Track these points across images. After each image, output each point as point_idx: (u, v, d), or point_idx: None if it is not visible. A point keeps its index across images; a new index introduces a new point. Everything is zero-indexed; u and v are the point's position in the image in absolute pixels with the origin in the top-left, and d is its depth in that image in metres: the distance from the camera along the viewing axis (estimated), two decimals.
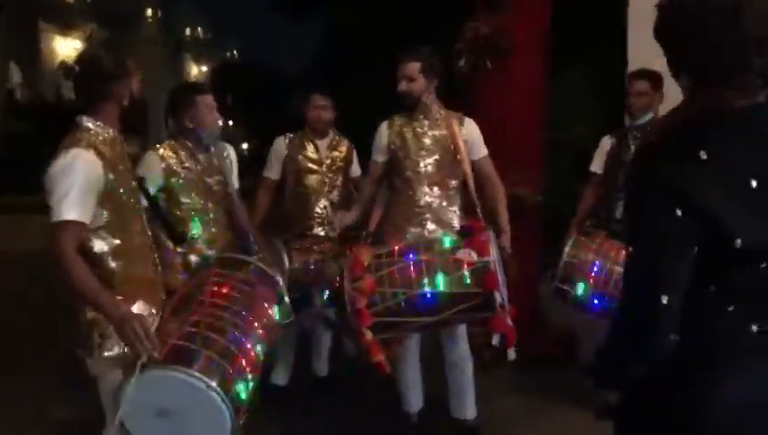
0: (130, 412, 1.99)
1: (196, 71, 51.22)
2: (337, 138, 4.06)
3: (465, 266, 2.78)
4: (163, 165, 3.20)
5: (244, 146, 35.38)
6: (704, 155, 1.28)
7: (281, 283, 2.56)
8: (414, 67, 3.31)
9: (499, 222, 3.28)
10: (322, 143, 3.99)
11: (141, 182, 2.57)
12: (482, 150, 3.43)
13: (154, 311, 2.30)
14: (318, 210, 3.90)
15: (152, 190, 3.05)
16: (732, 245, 1.27)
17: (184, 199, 3.23)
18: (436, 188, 3.35)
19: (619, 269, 3.28)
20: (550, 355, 4.34)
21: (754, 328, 1.35)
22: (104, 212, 2.20)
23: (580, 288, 3.39)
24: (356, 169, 4.10)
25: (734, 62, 1.31)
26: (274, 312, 2.45)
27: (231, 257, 2.68)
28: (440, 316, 2.81)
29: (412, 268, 2.82)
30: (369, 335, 2.79)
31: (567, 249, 3.48)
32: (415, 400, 3.50)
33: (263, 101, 29.52)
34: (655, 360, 1.35)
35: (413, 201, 3.35)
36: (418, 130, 3.38)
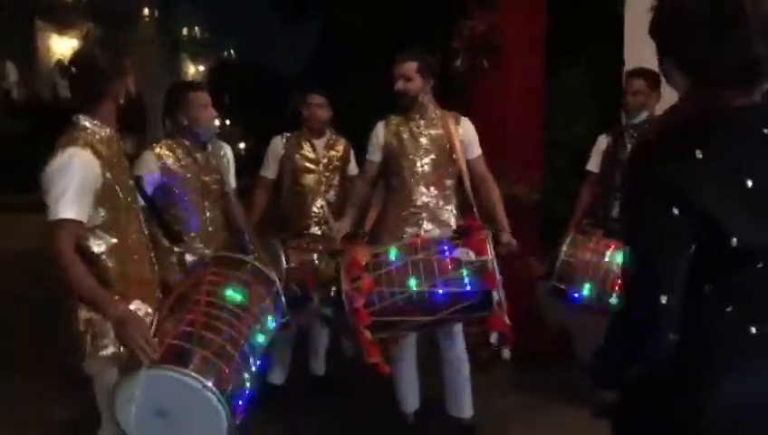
0: (126, 412, 1.99)
1: (194, 70, 51.19)
2: (334, 137, 4.06)
3: (463, 265, 2.78)
4: (160, 163, 3.20)
5: (242, 145, 35.37)
6: (700, 154, 1.28)
7: (277, 282, 2.55)
8: (411, 66, 3.31)
9: (498, 221, 3.28)
10: (319, 142, 3.99)
11: (138, 181, 2.56)
12: (476, 150, 3.43)
13: (150, 310, 2.30)
14: (315, 209, 3.90)
15: (149, 189, 3.05)
16: (728, 244, 1.27)
17: (181, 198, 3.23)
18: (432, 188, 3.35)
19: (616, 268, 3.29)
20: (546, 354, 4.35)
21: (753, 329, 1.35)
22: (101, 211, 2.19)
23: (586, 289, 3.39)
24: (353, 168, 4.09)
25: (734, 62, 1.31)
26: (271, 311, 2.45)
27: (228, 257, 2.67)
28: (438, 315, 2.81)
29: (410, 267, 2.82)
30: (367, 335, 2.79)
31: (564, 248, 3.49)
32: (412, 399, 3.50)
33: (260, 101, 29.49)
34: (654, 360, 1.35)
35: (410, 201, 3.35)
36: (415, 129, 3.38)
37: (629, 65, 4.34)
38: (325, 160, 3.97)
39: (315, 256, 3.65)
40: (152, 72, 29.94)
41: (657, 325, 1.32)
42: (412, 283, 2.79)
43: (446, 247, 2.86)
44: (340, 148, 4.05)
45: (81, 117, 2.23)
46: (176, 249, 3.12)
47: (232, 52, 57.40)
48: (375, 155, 3.46)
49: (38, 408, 3.91)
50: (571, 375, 3.38)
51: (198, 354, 1.99)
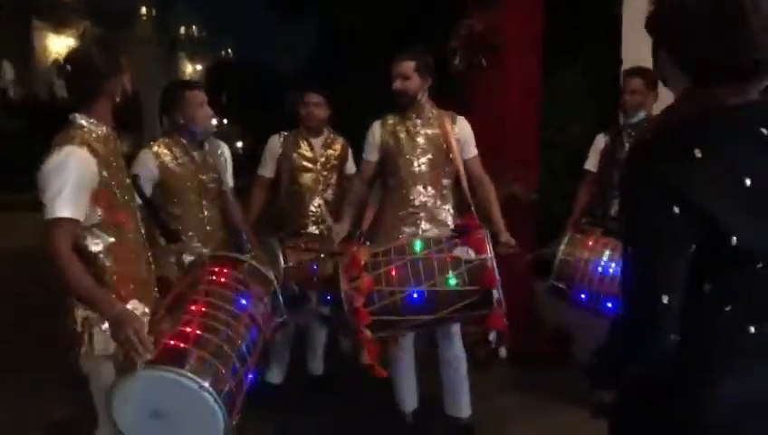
0: (123, 412, 1.98)
1: (191, 69, 51.12)
2: (332, 136, 4.06)
3: (463, 264, 2.78)
4: (157, 162, 3.20)
5: (239, 144, 35.34)
6: (699, 153, 1.27)
7: (275, 281, 2.55)
8: (409, 66, 3.30)
9: (494, 222, 3.28)
10: (317, 141, 3.98)
11: (135, 180, 2.55)
12: (473, 150, 3.43)
13: (147, 310, 2.29)
14: (312, 208, 3.90)
15: (147, 188, 3.05)
16: (728, 243, 1.27)
17: (178, 197, 3.23)
18: (429, 188, 3.34)
19: (614, 267, 3.29)
20: (545, 353, 4.35)
21: (752, 329, 1.35)
22: (98, 210, 2.18)
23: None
24: (351, 167, 4.09)
25: (734, 62, 1.31)
26: (268, 310, 2.44)
27: (225, 256, 2.66)
28: (438, 314, 2.81)
29: (409, 267, 2.82)
30: (368, 334, 2.79)
31: (562, 247, 3.48)
32: (410, 399, 3.50)
33: (257, 100, 29.46)
34: (655, 360, 1.34)
35: (407, 201, 3.35)
36: (411, 129, 3.37)
37: (627, 65, 4.35)
38: (323, 159, 3.97)
39: (313, 254, 3.64)
40: (149, 71, 29.91)
41: (658, 325, 1.31)
42: (412, 282, 2.78)
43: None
44: (338, 147, 4.04)
45: (77, 115, 2.22)
46: (173, 248, 3.11)
47: (229, 51, 57.36)
48: (371, 155, 3.45)
49: (38, 408, 3.90)
50: (569, 375, 3.37)
51: (195, 355, 1.98)
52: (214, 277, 2.35)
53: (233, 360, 2.07)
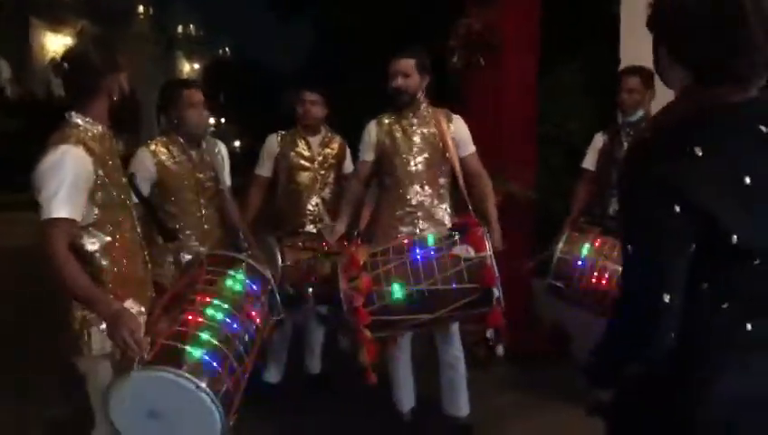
0: (120, 412, 1.97)
1: (188, 68, 51.06)
2: (329, 134, 4.05)
3: (463, 262, 2.78)
4: (155, 161, 3.19)
5: (237, 143, 35.32)
6: (699, 152, 1.27)
7: (272, 280, 2.54)
8: (409, 63, 3.29)
9: (488, 218, 3.27)
10: (315, 140, 3.98)
11: (132, 178, 2.55)
12: (469, 147, 3.42)
13: (143, 309, 2.28)
14: (310, 207, 3.89)
15: (144, 187, 3.04)
16: (728, 242, 1.27)
17: (176, 195, 3.22)
18: (426, 187, 3.33)
19: (612, 265, 3.29)
20: (542, 352, 4.35)
21: (749, 326, 1.35)
22: (94, 209, 2.18)
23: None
24: (349, 166, 4.08)
25: (734, 62, 1.31)
26: (266, 309, 2.44)
27: (223, 255, 2.66)
28: (438, 313, 2.81)
29: (408, 266, 2.82)
30: (367, 334, 2.79)
31: (560, 245, 3.48)
32: (407, 399, 3.49)
33: (255, 99, 29.44)
34: (655, 359, 1.34)
35: (404, 200, 3.34)
36: (408, 128, 3.36)
37: (625, 63, 4.34)
38: (320, 158, 3.96)
39: (310, 253, 3.64)
40: (147, 70, 29.86)
41: (659, 325, 1.31)
42: (411, 281, 2.78)
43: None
44: (336, 145, 4.04)
45: (73, 114, 2.21)
46: (170, 247, 3.11)
47: (227, 49, 57.30)
48: (368, 154, 3.44)
49: (38, 408, 3.89)
50: (567, 373, 3.38)
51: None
52: (211, 276, 2.35)
53: (230, 360, 2.07)
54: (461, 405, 3.44)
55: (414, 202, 3.33)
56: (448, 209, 3.38)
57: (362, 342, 2.82)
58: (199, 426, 1.96)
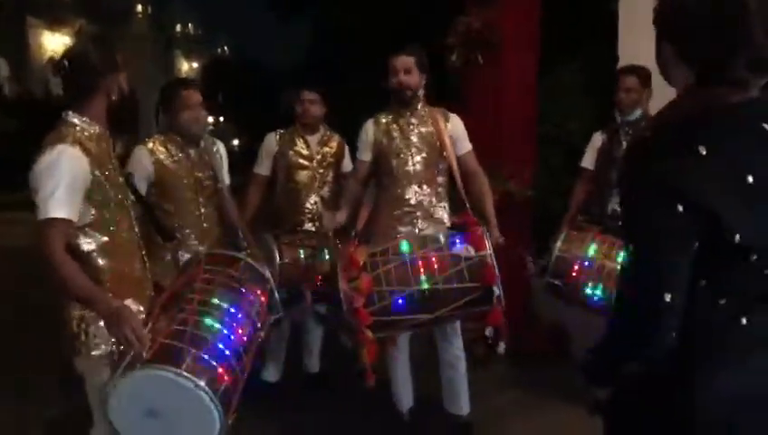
0: (118, 412, 1.97)
1: (187, 67, 51.01)
2: (328, 133, 4.05)
3: (463, 262, 2.78)
4: (153, 159, 3.19)
5: (235, 142, 35.32)
6: (703, 151, 1.27)
7: (271, 279, 2.54)
8: (410, 60, 3.29)
9: (486, 216, 3.27)
10: (313, 139, 3.98)
11: (129, 178, 2.54)
12: (466, 146, 3.41)
13: (142, 308, 2.28)
14: (308, 206, 3.89)
15: (142, 186, 3.04)
16: (730, 241, 1.27)
17: (174, 194, 3.22)
18: (425, 186, 3.32)
19: (611, 264, 3.29)
20: (541, 351, 4.35)
21: (744, 320, 1.35)
22: (91, 209, 2.17)
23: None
24: (347, 165, 4.08)
25: (735, 62, 1.30)
26: (264, 308, 2.43)
27: (221, 254, 2.66)
28: (438, 313, 2.81)
29: (409, 266, 2.82)
30: (368, 335, 2.78)
31: (558, 244, 3.48)
32: (406, 398, 3.49)
33: (254, 98, 29.43)
34: (655, 359, 1.34)
35: (403, 200, 3.32)
36: (405, 127, 3.35)
37: (623, 62, 4.34)
38: (319, 157, 3.96)
39: (309, 252, 3.63)
40: (145, 70, 29.82)
41: (660, 325, 1.31)
42: (411, 281, 2.78)
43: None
44: (334, 144, 4.04)
45: (70, 113, 2.21)
46: (168, 246, 3.11)
47: (225, 48, 57.27)
48: (365, 154, 3.43)
49: (38, 408, 3.89)
50: (565, 372, 3.38)
51: (191, 354, 1.98)
52: (210, 275, 2.35)
53: (229, 358, 2.07)
54: (461, 404, 3.44)
55: (413, 202, 3.32)
56: (447, 208, 3.38)
57: (363, 342, 2.82)
58: (198, 425, 1.96)
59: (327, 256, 3.56)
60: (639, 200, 1.33)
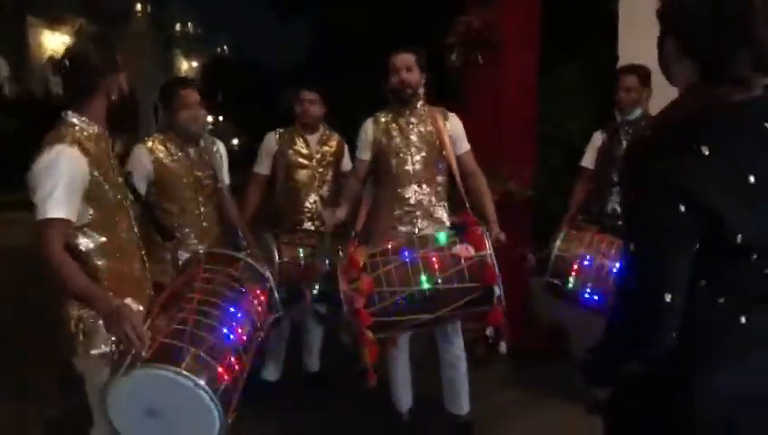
0: (118, 411, 1.97)
1: (186, 66, 50.97)
2: (327, 132, 4.05)
3: (463, 261, 2.78)
4: (152, 158, 3.20)
5: (235, 141, 35.31)
6: (705, 151, 1.27)
7: (270, 279, 2.54)
8: (410, 58, 3.28)
9: (486, 215, 3.27)
10: (313, 138, 3.98)
11: (128, 177, 2.54)
12: (465, 146, 3.41)
13: (141, 308, 2.27)
14: (308, 205, 3.89)
15: (141, 185, 3.04)
16: (732, 240, 1.27)
17: (174, 193, 3.22)
18: (424, 186, 3.32)
19: (610, 263, 3.29)
20: (540, 350, 4.35)
21: (743, 319, 1.35)
22: (90, 209, 2.17)
23: (570, 282, 3.37)
24: (347, 164, 4.08)
25: (735, 62, 1.30)
26: (264, 308, 2.44)
27: (221, 253, 2.66)
28: (439, 313, 2.81)
29: (409, 266, 2.82)
30: (369, 335, 2.78)
31: (558, 243, 3.48)
32: (405, 399, 3.49)
33: (254, 98, 29.43)
34: (656, 358, 1.34)
35: (402, 199, 3.32)
36: (404, 126, 3.34)
37: (623, 61, 4.34)
38: (318, 156, 3.96)
39: (308, 251, 3.63)
40: (145, 69, 29.81)
41: (660, 325, 1.31)
42: (412, 281, 2.78)
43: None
44: (334, 143, 4.04)
45: (69, 113, 2.21)
46: (168, 246, 3.10)
47: (225, 48, 57.25)
48: (365, 153, 3.43)
49: (38, 408, 3.88)
50: (564, 371, 3.39)
51: (191, 353, 1.98)
52: (209, 275, 2.35)
53: (229, 357, 2.07)
54: (462, 404, 3.44)
55: (413, 201, 3.32)
56: (446, 207, 3.38)
57: (364, 343, 2.82)
58: (198, 424, 1.96)
59: (327, 263, 3.56)
60: (641, 200, 1.33)
